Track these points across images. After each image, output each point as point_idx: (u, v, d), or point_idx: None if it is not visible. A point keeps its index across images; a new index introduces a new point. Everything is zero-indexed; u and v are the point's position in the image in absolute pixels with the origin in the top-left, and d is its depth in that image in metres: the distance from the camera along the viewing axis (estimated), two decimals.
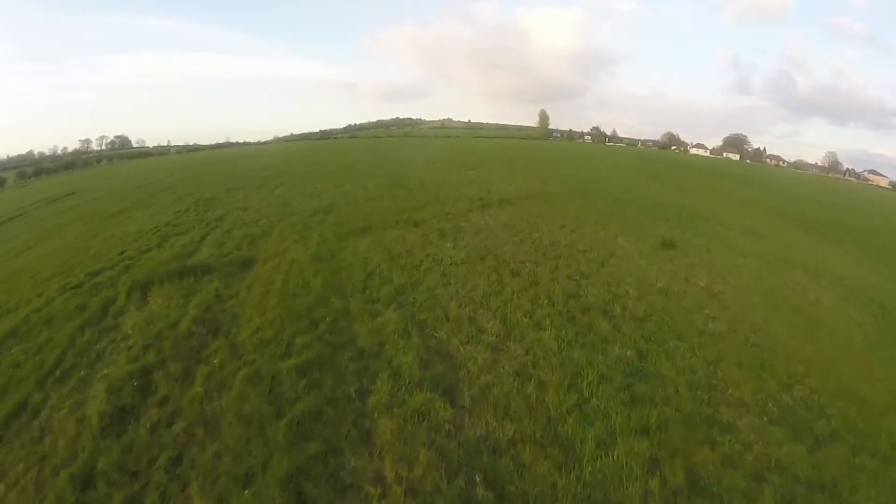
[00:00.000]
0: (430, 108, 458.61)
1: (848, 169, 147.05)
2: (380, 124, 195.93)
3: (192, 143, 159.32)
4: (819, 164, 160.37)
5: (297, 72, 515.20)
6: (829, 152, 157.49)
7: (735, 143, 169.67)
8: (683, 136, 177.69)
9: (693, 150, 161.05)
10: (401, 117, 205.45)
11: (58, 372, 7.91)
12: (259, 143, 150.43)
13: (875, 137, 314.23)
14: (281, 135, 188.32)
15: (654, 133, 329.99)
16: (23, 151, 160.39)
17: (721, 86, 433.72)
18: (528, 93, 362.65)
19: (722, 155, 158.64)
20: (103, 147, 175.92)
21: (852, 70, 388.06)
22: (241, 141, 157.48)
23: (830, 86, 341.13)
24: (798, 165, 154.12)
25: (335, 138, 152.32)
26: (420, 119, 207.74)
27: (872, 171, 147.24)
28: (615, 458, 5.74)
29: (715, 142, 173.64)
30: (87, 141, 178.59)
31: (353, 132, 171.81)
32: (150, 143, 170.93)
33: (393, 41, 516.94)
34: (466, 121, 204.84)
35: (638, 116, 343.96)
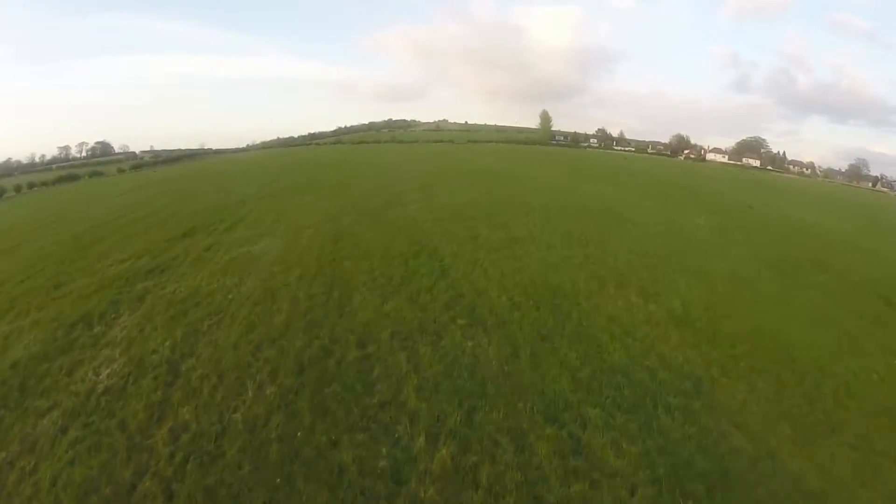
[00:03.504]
0: (428, 109, 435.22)
1: (880, 177, 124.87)
2: (371, 127, 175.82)
3: (173, 148, 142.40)
4: (828, 167, 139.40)
5: (293, 72, 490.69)
6: (858, 159, 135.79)
7: (752, 146, 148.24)
8: (693, 138, 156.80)
9: (710, 156, 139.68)
10: (394, 119, 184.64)
11: None
12: (235, 150, 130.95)
13: (875, 135, 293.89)
14: (268, 139, 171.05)
15: (656, 133, 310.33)
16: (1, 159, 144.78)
17: (721, 84, 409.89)
18: (527, 92, 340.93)
19: (741, 160, 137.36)
20: (83, 154, 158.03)
21: (853, 67, 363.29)
22: (214, 148, 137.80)
23: (831, 83, 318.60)
24: (826, 174, 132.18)
25: (317, 144, 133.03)
26: (414, 120, 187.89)
27: None
28: None
29: (717, 140, 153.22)
30: (66, 148, 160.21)
31: (338, 136, 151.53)
32: (135, 149, 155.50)
33: (389, 40, 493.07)
34: (463, 122, 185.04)
35: (638, 115, 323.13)
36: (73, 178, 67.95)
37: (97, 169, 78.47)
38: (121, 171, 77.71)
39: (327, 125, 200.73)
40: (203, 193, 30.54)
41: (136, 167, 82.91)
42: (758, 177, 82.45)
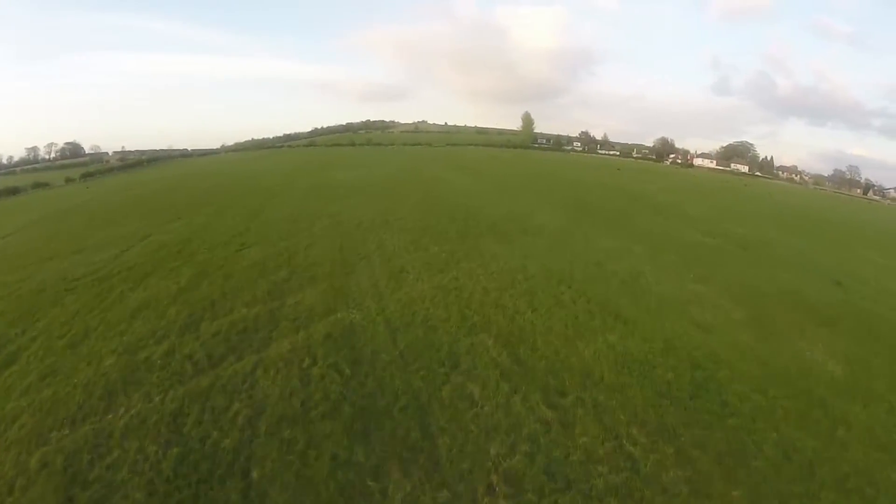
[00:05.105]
0: (411, 109, 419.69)
1: (874, 186, 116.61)
2: (349, 128, 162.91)
3: (144, 148, 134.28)
4: (817, 172, 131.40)
5: (274, 71, 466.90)
6: (850, 166, 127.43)
7: (739, 151, 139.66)
8: (676, 140, 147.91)
9: (697, 161, 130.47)
10: (372, 120, 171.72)
11: None
12: (204, 152, 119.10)
13: (854, 138, 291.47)
14: (242, 139, 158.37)
15: (638, 134, 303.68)
16: None
17: (701, 86, 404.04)
18: (510, 93, 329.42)
19: (729, 166, 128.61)
20: (52, 155, 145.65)
21: (833, 71, 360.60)
22: (190, 149, 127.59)
23: (811, 86, 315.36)
24: (816, 180, 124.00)
25: (289, 146, 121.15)
26: (393, 121, 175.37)
27: None
28: None
29: (698, 142, 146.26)
30: (35, 149, 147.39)
31: (313, 137, 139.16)
32: (106, 149, 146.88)
33: (373, 40, 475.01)
34: (443, 123, 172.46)
35: (620, 117, 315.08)
36: (11, 191, 55.68)
37: (41, 179, 66.20)
38: (69, 180, 66.96)
39: (307, 125, 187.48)
40: (43, 262, 19.21)
41: (88, 175, 70.94)
42: (761, 190, 72.90)
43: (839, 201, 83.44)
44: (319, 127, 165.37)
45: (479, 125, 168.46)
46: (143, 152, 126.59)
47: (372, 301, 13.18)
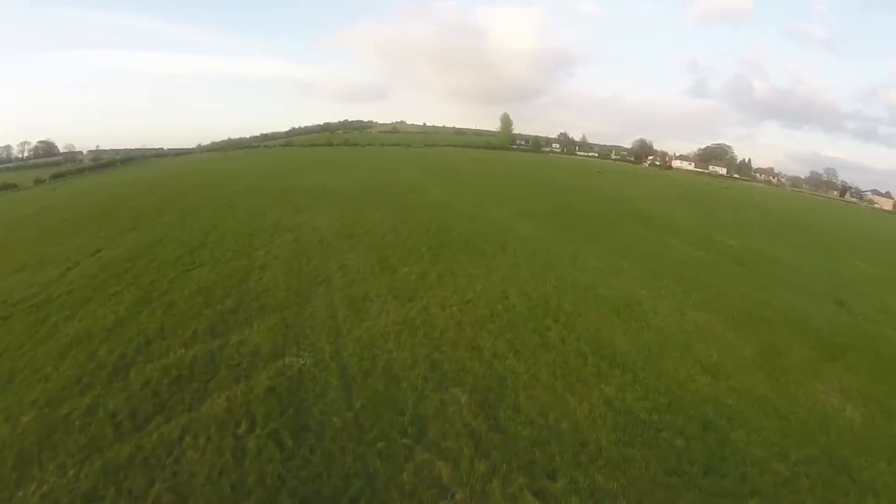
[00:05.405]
0: (390, 109, 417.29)
1: (851, 188, 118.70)
2: (326, 128, 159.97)
3: (119, 147, 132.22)
4: (793, 174, 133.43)
5: (255, 70, 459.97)
6: (827, 169, 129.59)
7: (717, 153, 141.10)
8: (654, 142, 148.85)
9: (676, 163, 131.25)
10: (350, 120, 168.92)
11: None
12: (178, 152, 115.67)
13: (829, 140, 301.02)
14: (219, 139, 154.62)
15: (616, 135, 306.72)
16: None
17: (679, 89, 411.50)
18: (488, 93, 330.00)
19: (707, 168, 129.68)
20: (26, 154, 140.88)
21: (809, 74, 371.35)
22: (165, 148, 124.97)
23: (787, 89, 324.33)
24: (793, 182, 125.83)
25: (266, 147, 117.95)
26: (371, 122, 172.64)
27: (875, 192, 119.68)
28: None
29: (675, 144, 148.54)
30: (8, 147, 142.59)
31: (290, 137, 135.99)
32: (81, 148, 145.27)
33: (353, 39, 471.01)
34: (421, 124, 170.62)
35: (598, 118, 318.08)
36: None
37: (10, 180, 65.60)
38: (38, 181, 64.19)
39: (285, 125, 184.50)
40: None
41: (58, 176, 68.72)
42: (741, 193, 73.02)
43: (818, 204, 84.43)
44: (297, 127, 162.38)
45: (458, 126, 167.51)
46: (117, 151, 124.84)
47: (326, 340, 11.39)
